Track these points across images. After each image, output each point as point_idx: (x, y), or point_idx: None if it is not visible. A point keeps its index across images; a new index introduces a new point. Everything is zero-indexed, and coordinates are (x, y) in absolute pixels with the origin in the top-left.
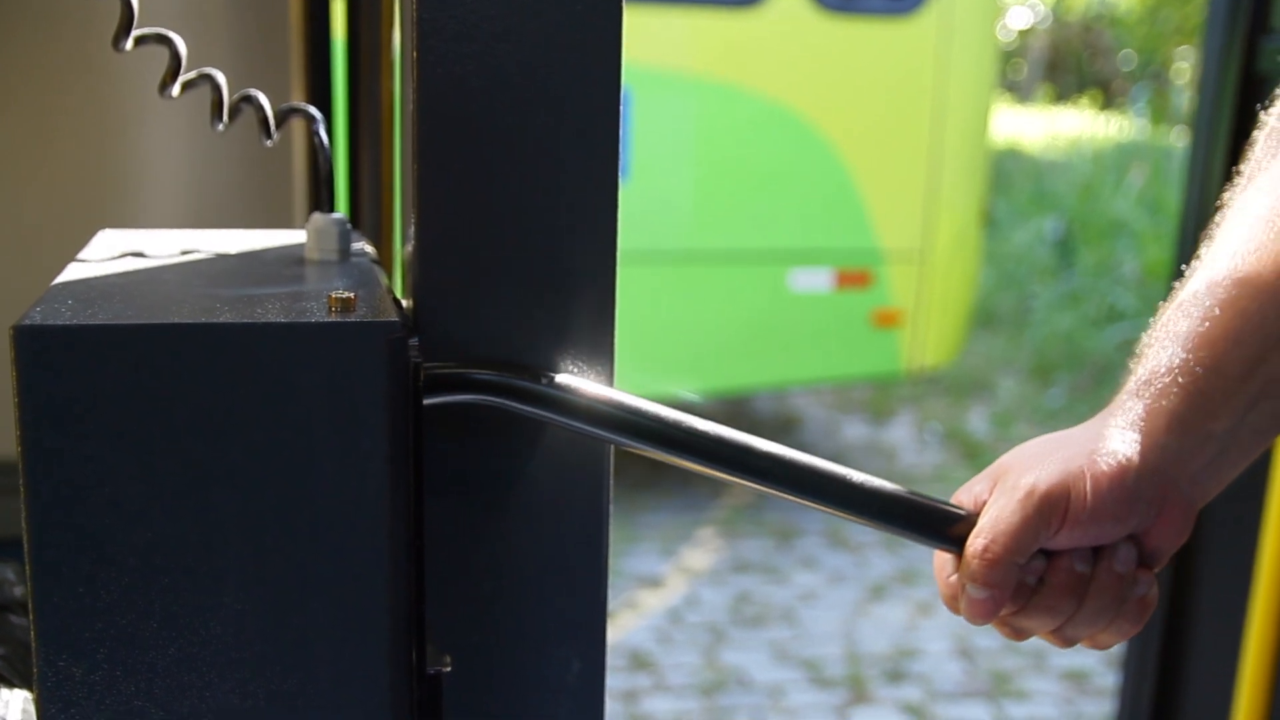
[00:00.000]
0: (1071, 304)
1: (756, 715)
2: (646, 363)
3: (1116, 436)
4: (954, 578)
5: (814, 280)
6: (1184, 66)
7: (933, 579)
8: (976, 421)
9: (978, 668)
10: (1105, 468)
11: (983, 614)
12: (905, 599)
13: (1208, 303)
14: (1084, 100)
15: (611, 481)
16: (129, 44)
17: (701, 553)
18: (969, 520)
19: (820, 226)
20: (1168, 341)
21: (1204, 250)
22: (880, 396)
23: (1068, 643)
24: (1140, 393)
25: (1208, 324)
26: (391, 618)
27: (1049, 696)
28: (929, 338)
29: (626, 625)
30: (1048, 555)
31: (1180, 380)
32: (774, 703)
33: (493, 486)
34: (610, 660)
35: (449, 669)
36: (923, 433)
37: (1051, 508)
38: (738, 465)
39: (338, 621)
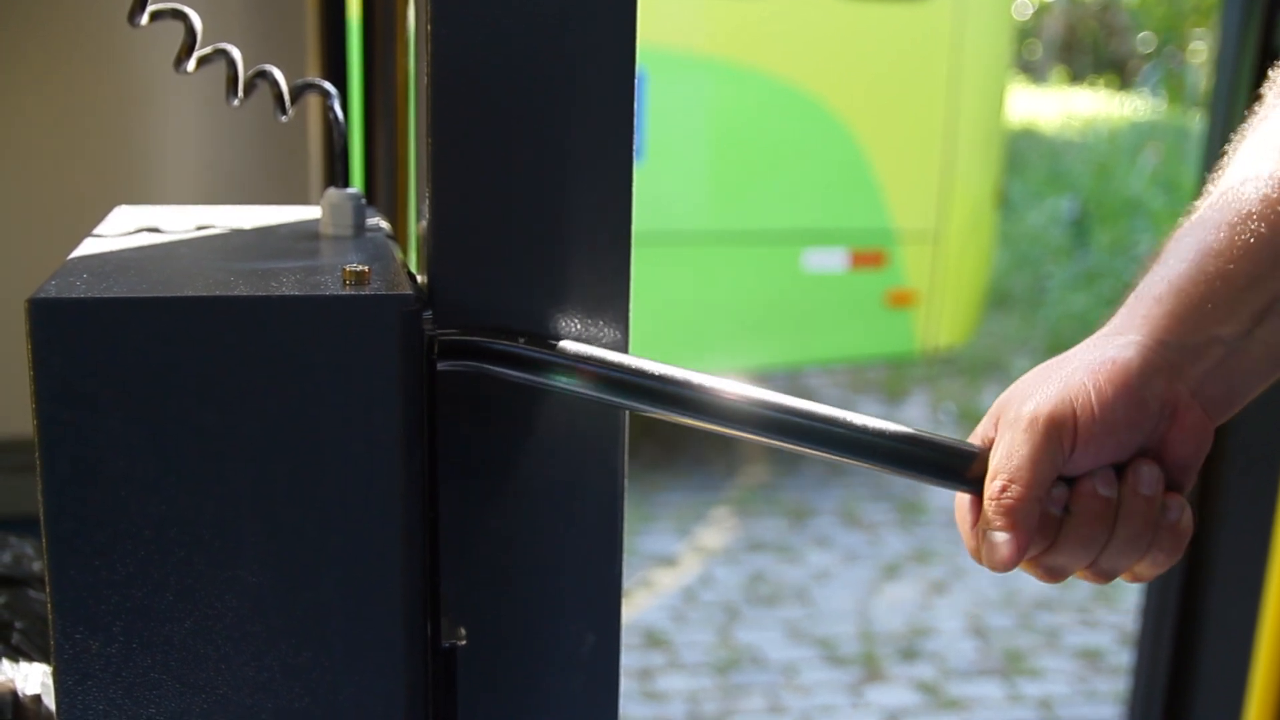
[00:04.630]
0: (1086, 284)
1: (770, 693)
2: (660, 343)
3: (1114, 344)
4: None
5: (828, 261)
6: (1200, 47)
7: (946, 558)
8: (991, 402)
9: (991, 646)
10: (1106, 374)
11: (1007, 558)
12: (919, 578)
13: (1217, 219)
14: (1099, 80)
15: (626, 454)
16: (144, 19)
17: (716, 532)
18: (984, 458)
19: (835, 207)
20: (1170, 256)
21: (1214, 182)
22: (895, 377)
23: (1105, 577)
24: (1140, 299)
25: (1213, 238)
26: (405, 591)
27: (1063, 675)
28: (943, 318)
29: (641, 604)
30: (1069, 484)
31: (1183, 287)
32: (788, 681)
33: (507, 461)
34: (625, 638)
35: (464, 643)
36: (937, 413)
37: (1059, 428)
38: (745, 420)
39: (352, 595)
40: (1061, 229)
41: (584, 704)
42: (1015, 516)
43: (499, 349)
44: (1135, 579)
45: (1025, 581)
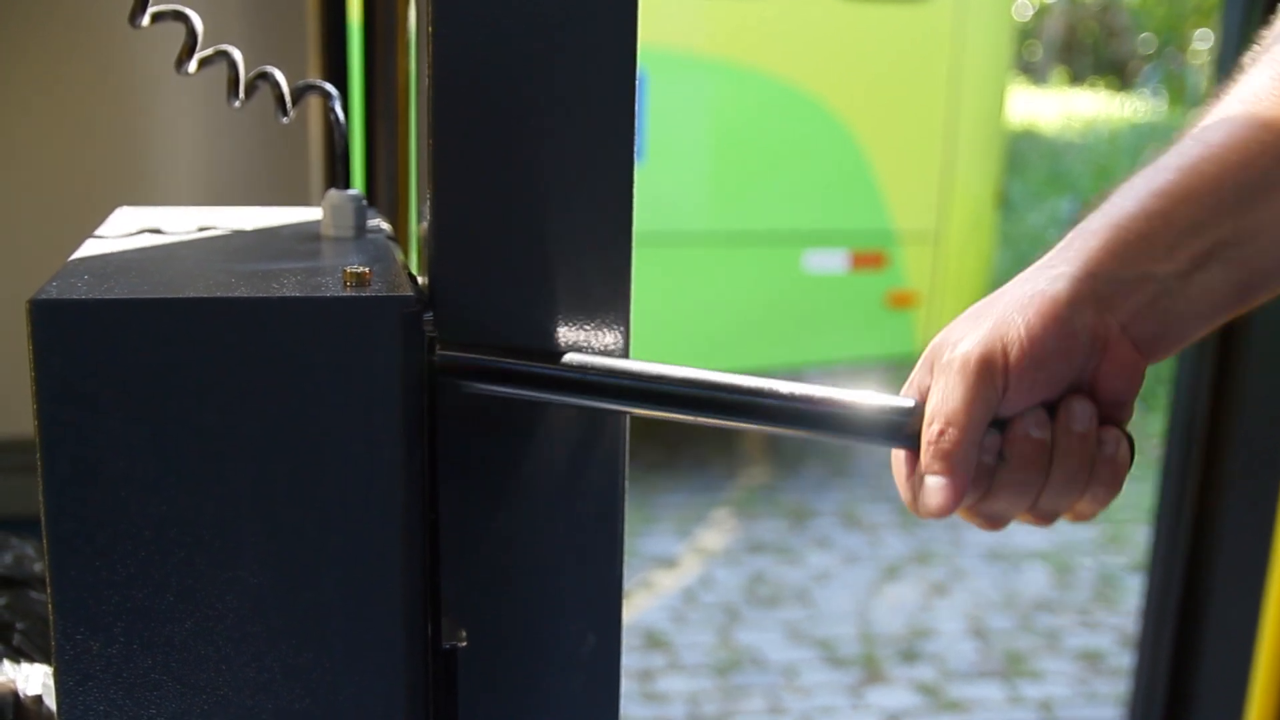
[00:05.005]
0: None
1: (770, 695)
2: (662, 344)
3: (1045, 276)
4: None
5: (829, 261)
6: (1201, 48)
7: (946, 559)
8: None
9: (992, 648)
10: (1036, 307)
11: (944, 503)
12: (919, 579)
13: (1169, 163)
14: (1100, 81)
15: (627, 456)
16: (145, 20)
17: (716, 533)
18: (919, 411)
19: (835, 208)
20: (1118, 195)
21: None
22: (895, 377)
23: (1047, 519)
24: (1079, 234)
25: (1162, 179)
26: (406, 592)
27: (1063, 676)
28: (944, 319)
29: (642, 605)
30: (1001, 430)
31: (1121, 223)
32: (788, 682)
33: (508, 461)
34: (625, 640)
35: (464, 644)
36: None
37: (991, 366)
38: (669, 400)
39: (353, 596)
40: (1062, 230)
41: (585, 705)
42: (952, 460)
43: (493, 366)
44: (1077, 518)
45: (1026, 583)
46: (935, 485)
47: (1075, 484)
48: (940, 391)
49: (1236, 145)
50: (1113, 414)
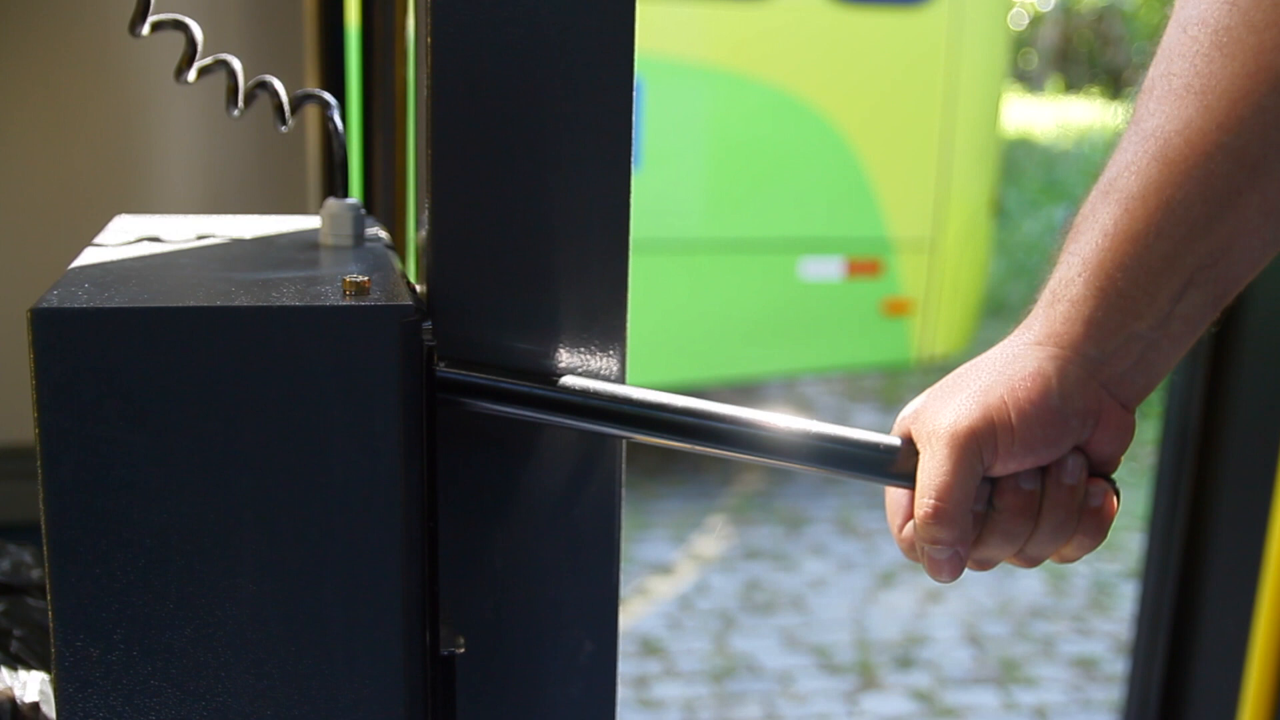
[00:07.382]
0: None
1: (766, 701)
2: (657, 351)
3: (1032, 355)
4: (908, 531)
5: (824, 269)
6: None
7: None
8: None
9: (987, 654)
10: (1025, 393)
11: (949, 571)
12: (915, 586)
13: (1132, 188)
14: (1094, 89)
15: (624, 463)
16: (145, 30)
17: (712, 540)
18: (907, 452)
19: (831, 216)
20: (1085, 239)
21: (1129, 127)
22: (891, 385)
23: (1032, 563)
24: (1057, 300)
25: (1128, 216)
26: (405, 600)
27: (1058, 683)
28: (939, 327)
29: (637, 612)
30: (992, 480)
31: (1101, 285)
32: (783, 689)
33: (505, 469)
34: (621, 646)
35: (462, 651)
36: None
37: (979, 445)
38: (667, 429)
39: (351, 603)
40: (1057, 238)
41: (582, 711)
42: (949, 534)
43: (493, 386)
44: (1062, 560)
45: (1021, 590)
46: (937, 558)
47: (1062, 533)
48: (926, 464)
49: (1197, 157)
50: (1102, 468)
